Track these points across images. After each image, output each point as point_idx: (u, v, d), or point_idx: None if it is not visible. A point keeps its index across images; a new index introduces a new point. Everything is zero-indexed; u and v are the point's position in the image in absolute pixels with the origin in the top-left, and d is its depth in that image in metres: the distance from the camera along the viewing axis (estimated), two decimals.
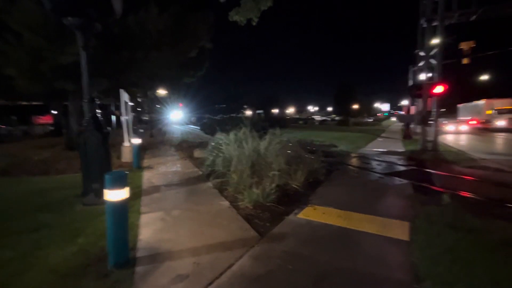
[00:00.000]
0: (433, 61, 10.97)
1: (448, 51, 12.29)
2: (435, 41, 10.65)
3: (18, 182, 5.94)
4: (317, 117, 65.09)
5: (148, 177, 6.09)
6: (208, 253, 2.71)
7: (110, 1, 3.90)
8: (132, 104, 11.97)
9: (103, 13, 4.07)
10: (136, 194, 4.67)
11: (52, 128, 23.82)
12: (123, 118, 8.56)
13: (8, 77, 8.17)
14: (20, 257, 2.66)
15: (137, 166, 7.17)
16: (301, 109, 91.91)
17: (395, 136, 18.36)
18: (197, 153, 8.43)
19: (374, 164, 7.99)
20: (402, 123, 19.77)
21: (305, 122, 51.81)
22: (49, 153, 9.55)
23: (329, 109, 76.99)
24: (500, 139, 15.72)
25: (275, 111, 62.24)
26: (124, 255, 2.50)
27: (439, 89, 9.84)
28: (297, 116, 70.36)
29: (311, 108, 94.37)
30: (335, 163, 7.87)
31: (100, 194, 4.11)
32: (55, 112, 22.47)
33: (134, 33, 8.92)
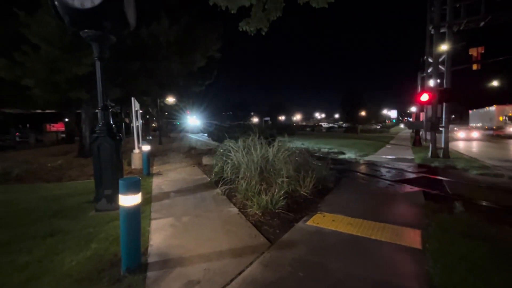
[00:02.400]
0: (441, 68, 10.89)
1: (457, 57, 12.19)
2: (444, 47, 10.60)
3: (33, 189, 6.11)
4: (324, 124, 64.88)
5: (158, 184, 6.17)
6: (219, 260, 2.72)
7: (125, 14, 4.06)
8: (142, 111, 12.22)
9: (118, 26, 4.24)
10: (147, 200, 4.75)
11: (64, 135, 24.44)
12: (134, 125, 8.74)
13: (25, 87, 8.51)
14: (37, 262, 2.72)
15: (147, 172, 7.28)
16: (308, 116, 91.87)
17: (404, 143, 18.12)
18: (206, 160, 8.50)
19: (384, 171, 7.89)
20: (411, 130, 19.52)
21: (312, 129, 51.68)
22: (62, 160, 9.79)
23: (336, 116, 76.63)
24: None
25: (282, 118, 62.38)
26: (136, 260, 2.54)
27: (448, 95, 9.74)
28: (304, 123, 70.27)
29: (318, 115, 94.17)
30: (344, 170, 7.81)
31: (112, 200, 4.23)
32: (68, 120, 23.10)
33: (146, 44, 9.21)
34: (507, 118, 23.08)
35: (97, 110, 4.45)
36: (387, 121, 73.91)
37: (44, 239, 3.25)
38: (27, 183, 6.73)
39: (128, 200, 2.42)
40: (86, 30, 4.01)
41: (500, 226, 3.46)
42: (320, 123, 71.91)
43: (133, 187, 2.45)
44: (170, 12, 9.61)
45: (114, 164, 4.32)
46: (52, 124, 35.71)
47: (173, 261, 2.70)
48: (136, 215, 2.51)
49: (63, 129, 28.67)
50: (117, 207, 2.54)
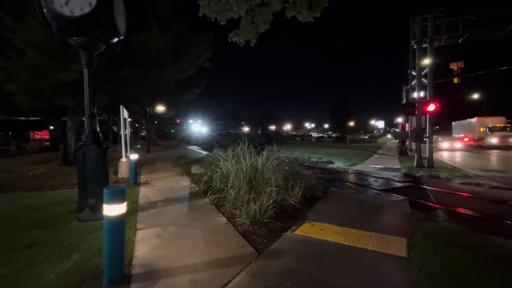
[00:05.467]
0: (424, 81, 11.36)
1: (439, 71, 12.75)
2: (426, 61, 11.09)
3: (12, 198, 5.85)
4: (314, 134, 65.67)
5: (145, 193, 6.04)
6: (205, 270, 2.67)
7: (115, 22, 4.07)
8: (130, 120, 12.07)
9: (108, 34, 4.23)
10: (133, 210, 4.63)
11: (48, 143, 23.70)
12: (122, 134, 8.60)
13: (8, 92, 8.28)
14: (13, 274, 2.59)
15: (134, 181, 7.13)
16: (298, 125, 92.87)
17: (391, 153, 18.55)
18: (195, 169, 8.42)
19: (371, 180, 8.03)
20: (398, 140, 20.08)
21: (302, 138, 52.26)
22: (45, 169, 9.47)
23: (326, 126, 77.84)
24: (493, 156, 15.95)
25: (272, 127, 62.75)
26: (119, 271, 2.45)
27: (431, 107, 10.12)
28: (294, 133, 70.91)
29: (308, 125, 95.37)
30: (332, 179, 7.90)
31: (96, 210, 4.11)
32: (52, 128, 22.45)
33: (135, 52, 9.19)
34: (487, 129, 24.08)
35: (83, 118, 4.37)
36: (375, 131, 75.50)
37: (22, 251, 3.10)
38: (6, 192, 6.44)
39: (113, 209, 2.36)
40: (74, 38, 3.99)
41: (482, 234, 3.57)
42: (310, 133, 72.74)
43: (118, 196, 2.40)
44: (160, 21, 9.67)
45: (100, 173, 4.22)
46: (36, 132, 34.61)
47: (158, 272, 2.62)
48: (120, 225, 2.44)
49: (47, 137, 27.83)
50: (101, 217, 2.47)
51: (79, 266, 2.74)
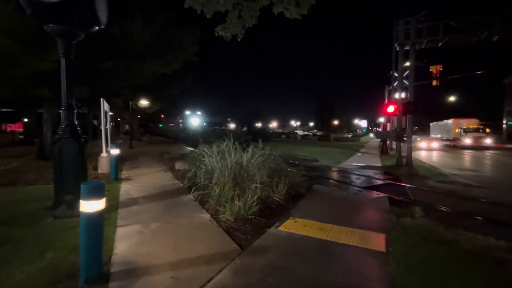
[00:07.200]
0: (406, 82, 11.75)
1: (421, 73, 13.30)
2: (407, 63, 11.47)
3: None
4: (300, 132, 66.35)
5: (126, 189, 5.87)
6: (187, 267, 2.64)
7: (95, 10, 3.87)
8: (112, 114, 11.67)
9: (88, 22, 4.02)
10: (113, 207, 4.48)
11: (22, 136, 22.46)
12: (102, 128, 8.28)
13: None
14: None
15: (115, 177, 6.90)
16: (284, 123, 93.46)
17: (373, 151, 19.11)
18: (179, 165, 8.27)
19: (353, 178, 8.24)
20: (379, 139, 20.73)
21: (288, 136, 52.68)
22: (18, 163, 8.97)
23: (311, 124, 78.89)
24: (467, 156, 16.83)
25: (259, 125, 62.83)
26: (97, 270, 2.36)
27: (411, 107, 10.49)
28: (280, 131, 71.36)
29: (294, 123, 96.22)
30: (316, 176, 8.03)
31: (73, 206, 3.94)
32: (27, 120, 21.27)
33: (118, 43, 8.84)
34: (462, 130, 25.35)
35: (60, 110, 4.16)
36: (358, 130, 77.46)
37: None
38: None
39: (90, 205, 2.27)
40: (51, 25, 3.76)
41: (455, 230, 3.75)
42: (295, 131, 73.44)
43: (96, 192, 2.30)
44: (145, 12, 9.35)
45: (77, 168, 4.04)
46: (9, 124, 32.70)
47: (139, 270, 2.56)
48: (98, 221, 2.35)
49: (21, 129, 26.35)
50: (79, 213, 2.37)
51: (54, 264, 2.61)
